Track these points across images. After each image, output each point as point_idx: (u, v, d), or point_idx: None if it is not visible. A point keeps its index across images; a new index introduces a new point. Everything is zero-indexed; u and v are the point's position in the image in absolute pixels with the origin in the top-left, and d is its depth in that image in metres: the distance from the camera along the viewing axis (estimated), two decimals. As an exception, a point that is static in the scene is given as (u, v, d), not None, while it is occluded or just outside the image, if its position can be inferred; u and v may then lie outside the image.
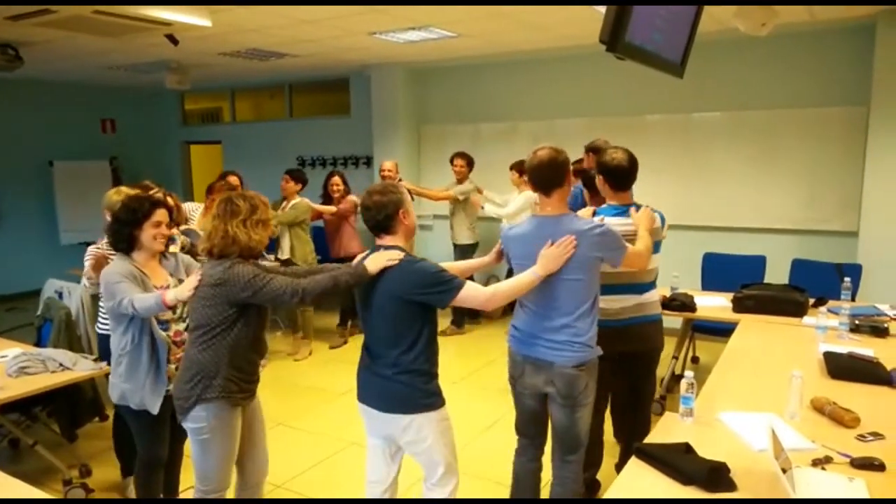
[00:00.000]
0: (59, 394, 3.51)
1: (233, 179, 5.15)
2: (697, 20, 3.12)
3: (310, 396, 4.93)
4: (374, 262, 2.38)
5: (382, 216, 2.43)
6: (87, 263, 3.49)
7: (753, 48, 5.50)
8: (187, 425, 2.53)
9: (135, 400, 2.73)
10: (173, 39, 4.95)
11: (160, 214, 2.77)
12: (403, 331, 2.39)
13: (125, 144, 9.36)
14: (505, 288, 2.49)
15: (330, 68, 7.48)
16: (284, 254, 5.60)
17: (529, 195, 5.39)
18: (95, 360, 3.35)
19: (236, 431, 2.59)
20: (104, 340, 3.24)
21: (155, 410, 2.74)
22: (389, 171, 6.08)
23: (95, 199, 8.68)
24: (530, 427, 2.79)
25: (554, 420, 2.66)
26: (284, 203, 5.70)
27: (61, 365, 3.26)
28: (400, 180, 5.87)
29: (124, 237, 2.74)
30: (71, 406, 3.77)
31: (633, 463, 2.10)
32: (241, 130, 9.31)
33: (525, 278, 2.49)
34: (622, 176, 2.97)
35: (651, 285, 3.06)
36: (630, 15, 2.27)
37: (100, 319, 3.44)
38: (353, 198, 5.91)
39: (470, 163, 6.19)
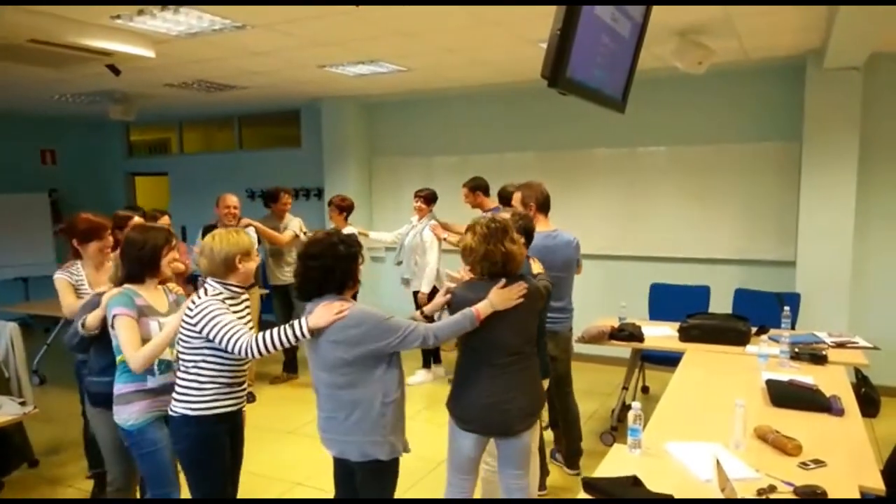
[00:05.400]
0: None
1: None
2: (637, 57, 3.22)
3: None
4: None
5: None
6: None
7: (693, 85, 5.69)
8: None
9: (399, 449, 2.50)
10: (115, 70, 4.82)
11: None
12: (534, 333, 2.91)
13: (66, 176, 9.05)
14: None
15: (280, 100, 7.43)
16: None
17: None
18: (22, 403, 3.15)
19: None
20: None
21: (409, 448, 2.54)
22: (236, 208, 5.55)
23: (33, 232, 8.57)
24: None
25: (558, 370, 3.71)
26: None
27: (-17, 409, 3.07)
28: (240, 219, 5.50)
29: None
30: (-5, 453, 3.55)
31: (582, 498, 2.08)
32: (189, 162, 9.13)
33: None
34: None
35: None
36: (570, 51, 2.31)
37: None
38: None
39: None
